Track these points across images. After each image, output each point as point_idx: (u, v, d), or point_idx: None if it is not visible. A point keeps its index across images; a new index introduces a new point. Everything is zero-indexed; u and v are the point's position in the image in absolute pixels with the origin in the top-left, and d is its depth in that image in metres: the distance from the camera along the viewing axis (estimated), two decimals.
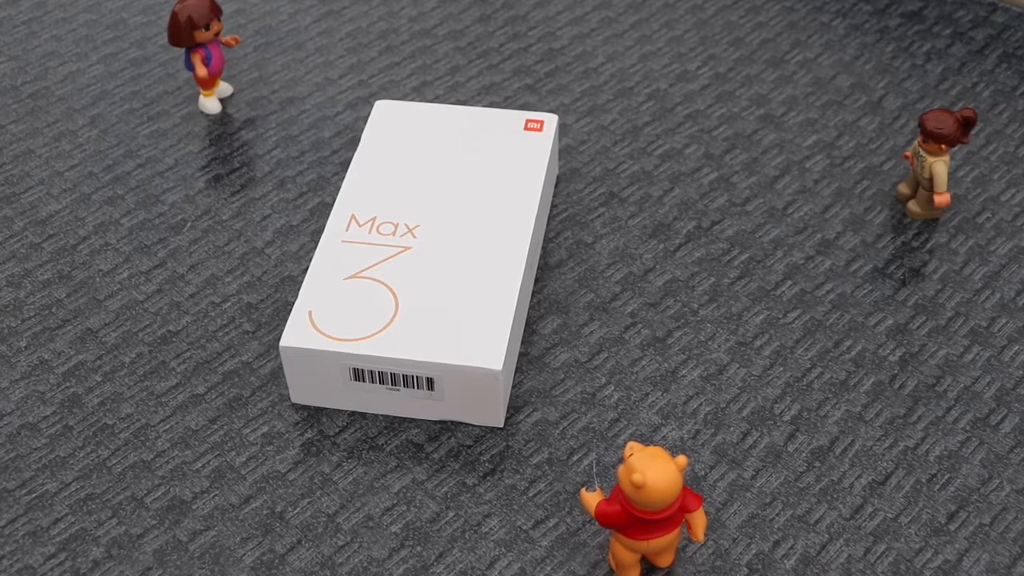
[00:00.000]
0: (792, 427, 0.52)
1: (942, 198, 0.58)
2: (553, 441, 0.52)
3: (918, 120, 0.58)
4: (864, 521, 0.49)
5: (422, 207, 0.56)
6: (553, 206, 0.62)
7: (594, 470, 0.51)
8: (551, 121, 0.60)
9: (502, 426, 0.52)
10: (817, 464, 0.51)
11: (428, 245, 0.54)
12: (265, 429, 0.52)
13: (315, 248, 0.60)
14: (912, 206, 0.60)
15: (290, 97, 0.67)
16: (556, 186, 0.63)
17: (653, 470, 0.43)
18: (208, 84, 0.66)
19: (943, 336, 0.56)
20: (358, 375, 0.51)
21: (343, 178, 0.63)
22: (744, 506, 0.50)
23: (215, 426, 0.53)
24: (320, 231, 0.61)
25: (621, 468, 0.43)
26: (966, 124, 0.58)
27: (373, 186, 0.57)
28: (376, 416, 0.53)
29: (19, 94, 0.68)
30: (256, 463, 0.51)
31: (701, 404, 0.53)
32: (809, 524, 0.49)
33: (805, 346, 0.55)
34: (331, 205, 0.62)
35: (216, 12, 0.63)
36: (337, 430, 0.52)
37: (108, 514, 0.50)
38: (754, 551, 0.48)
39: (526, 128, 0.60)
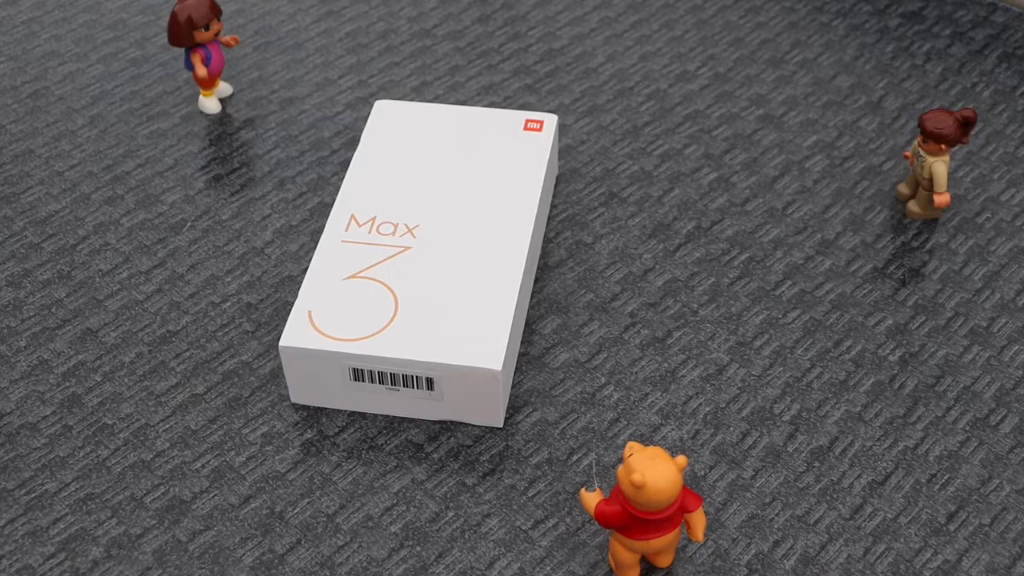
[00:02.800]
0: (792, 427, 0.52)
1: (942, 198, 0.58)
2: (553, 441, 0.52)
3: (918, 120, 0.58)
4: (864, 521, 0.49)
5: (422, 207, 0.56)
6: (553, 206, 0.62)
7: (594, 470, 0.51)
8: (551, 121, 0.60)
9: (502, 426, 0.52)
10: (817, 464, 0.51)
11: (428, 245, 0.54)
12: (265, 429, 0.52)
13: (315, 248, 0.60)
14: (912, 206, 0.60)
15: (290, 97, 0.67)
16: (556, 186, 0.63)
17: (653, 470, 0.43)
18: (208, 84, 0.66)
19: (943, 336, 0.56)
20: (358, 375, 0.51)
21: (343, 178, 0.63)
22: (744, 506, 0.50)
23: (215, 426, 0.53)
24: (320, 231, 0.61)
25: (621, 468, 0.43)
26: (966, 124, 0.58)
27: (373, 186, 0.57)
28: (376, 416, 0.53)
29: (19, 94, 0.68)
30: (256, 463, 0.51)
31: (701, 404, 0.53)
32: (809, 524, 0.49)
33: (805, 346, 0.55)
34: (331, 205, 0.62)
35: (216, 12, 0.63)
36: (337, 430, 0.52)
37: (108, 514, 0.50)
38: (754, 551, 0.48)
39: (526, 128, 0.60)
